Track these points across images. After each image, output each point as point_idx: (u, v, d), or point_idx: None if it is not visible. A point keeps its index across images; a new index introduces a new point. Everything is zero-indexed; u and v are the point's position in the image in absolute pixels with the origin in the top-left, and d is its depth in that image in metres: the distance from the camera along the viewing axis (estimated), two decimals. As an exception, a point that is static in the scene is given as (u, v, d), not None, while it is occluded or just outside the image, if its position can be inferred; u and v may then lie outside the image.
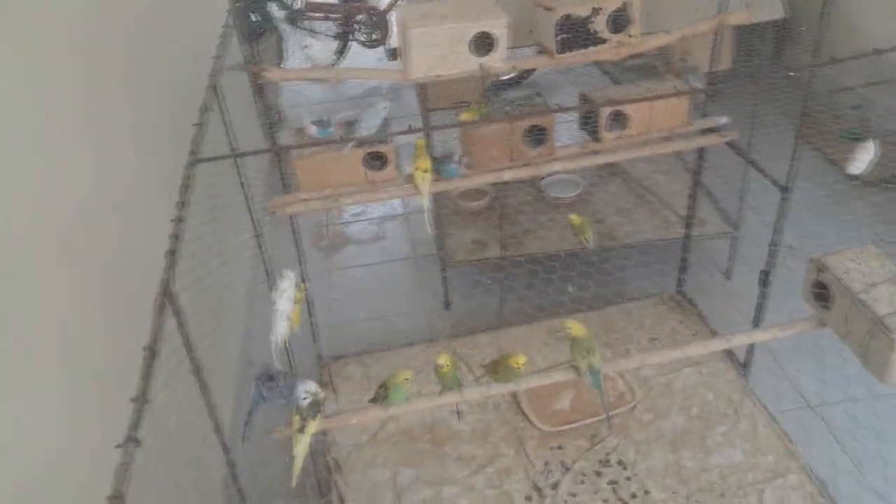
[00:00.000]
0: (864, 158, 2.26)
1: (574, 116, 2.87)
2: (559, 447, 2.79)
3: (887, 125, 3.83)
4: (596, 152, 2.65)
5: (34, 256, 1.46)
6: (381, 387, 2.03)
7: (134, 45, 2.32)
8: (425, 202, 2.52)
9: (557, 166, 2.57)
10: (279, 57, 5.15)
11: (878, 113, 4.00)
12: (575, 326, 2.00)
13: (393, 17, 5.51)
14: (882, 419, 2.92)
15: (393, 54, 5.53)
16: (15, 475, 1.31)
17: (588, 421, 2.84)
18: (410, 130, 2.02)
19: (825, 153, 4.40)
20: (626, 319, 3.36)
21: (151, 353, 1.02)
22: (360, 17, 5.42)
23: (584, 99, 2.65)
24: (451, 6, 2.30)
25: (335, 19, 5.44)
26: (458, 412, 2.88)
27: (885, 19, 3.61)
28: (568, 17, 2.36)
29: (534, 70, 5.35)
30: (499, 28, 2.27)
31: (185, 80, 2.58)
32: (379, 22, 5.48)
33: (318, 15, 5.41)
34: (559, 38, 2.37)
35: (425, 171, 2.45)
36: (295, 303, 2.28)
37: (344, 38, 5.49)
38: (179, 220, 1.26)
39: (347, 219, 4.60)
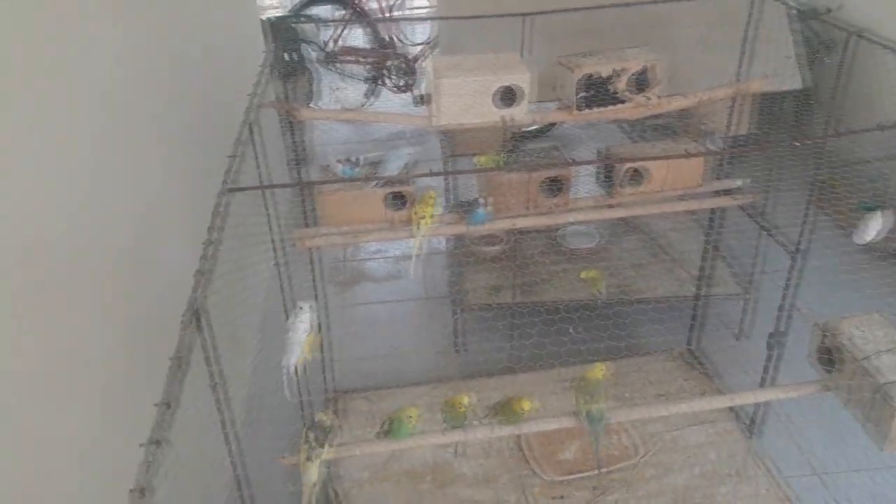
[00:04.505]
0: (871, 228, 2.31)
1: (592, 170, 2.95)
2: (561, 497, 2.79)
3: (901, 199, 3.86)
4: (610, 206, 2.71)
5: (77, 268, 1.55)
6: (385, 421, 2.07)
7: (176, 80, 2.45)
8: (416, 248, 2.56)
9: (572, 217, 2.64)
10: (310, 97, 5.33)
11: (892, 187, 4.04)
12: (598, 369, 2.02)
13: (422, 66, 5.70)
14: (888, 490, 2.89)
15: (419, 100, 5.69)
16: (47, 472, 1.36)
17: (592, 473, 2.85)
18: (432, 173, 2.10)
19: (840, 223, 4.43)
20: (637, 373, 3.38)
21: (178, 363, 1.08)
22: (390, 63, 5.61)
23: (602, 154, 2.73)
24: (481, 60, 2.41)
25: (367, 64, 5.63)
26: (455, 451, 2.89)
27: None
28: (589, 76, 2.46)
29: (555, 124, 5.48)
30: (522, 83, 2.37)
31: (221, 113, 2.71)
32: (408, 69, 5.67)
33: (351, 59, 5.61)
34: (580, 95, 2.47)
35: (422, 218, 2.52)
36: (309, 333, 2.34)
37: (374, 82, 5.67)
38: (210, 243, 1.34)
39: (365, 255, 4.68)
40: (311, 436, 1.87)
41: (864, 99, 4.07)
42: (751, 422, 3.01)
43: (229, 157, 1.64)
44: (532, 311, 3.59)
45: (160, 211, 2.19)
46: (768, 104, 4.43)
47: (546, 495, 2.80)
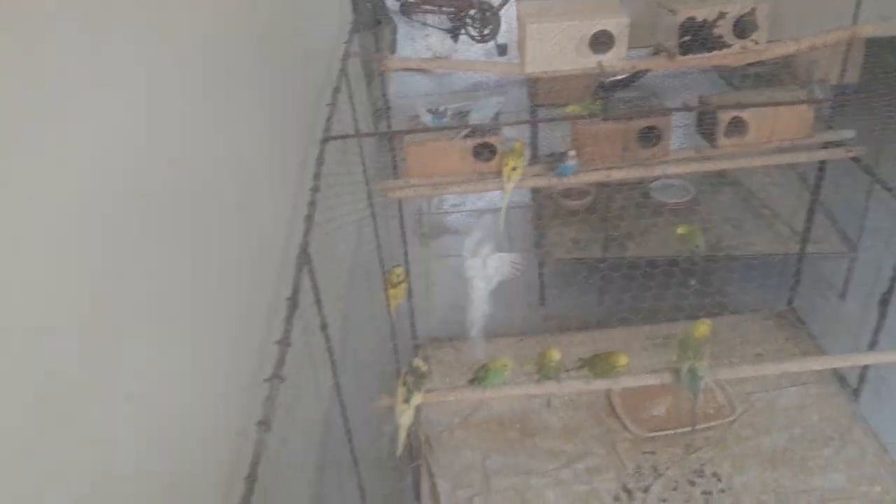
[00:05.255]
0: None
1: (689, 120, 2.83)
2: (652, 452, 2.76)
3: None
4: (711, 158, 2.60)
5: (198, 218, 1.61)
6: (480, 369, 2.09)
7: (267, 31, 2.48)
8: (505, 199, 2.54)
9: (670, 169, 2.55)
10: (391, 47, 5.31)
11: None
12: (700, 326, 1.97)
13: (504, 14, 5.57)
14: None
15: (502, 50, 5.58)
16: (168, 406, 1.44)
17: (684, 430, 2.80)
18: (525, 121, 2.06)
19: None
20: (731, 332, 3.28)
21: (293, 303, 1.12)
22: (472, 12, 5.50)
23: (703, 102, 2.60)
24: (572, 3, 2.33)
25: (448, 13, 5.55)
26: (548, 401, 2.90)
27: None
28: (692, 19, 2.34)
29: (645, 72, 5.27)
30: (619, 27, 2.28)
31: (302, 66, 2.72)
32: (491, 18, 5.55)
33: (431, 8, 5.54)
34: (681, 40, 2.35)
35: (513, 168, 2.49)
36: (397, 287, 2.38)
37: (455, 31, 5.59)
38: (316, 189, 1.37)
39: (447, 209, 4.69)
40: (410, 380, 1.91)
41: None
42: (856, 385, 2.87)
43: (328, 105, 1.65)
44: (620, 267, 3.52)
45: (254, 163, 2.24)
46: (878, 50, 4.13)
47: (636, 449, 2.77)
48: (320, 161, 1.50)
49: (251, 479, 0.91)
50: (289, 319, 1.12)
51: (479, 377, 2.07)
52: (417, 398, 1.91)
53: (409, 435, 1.99)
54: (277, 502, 1.33)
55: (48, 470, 1.07)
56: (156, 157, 1.50)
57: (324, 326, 1.36)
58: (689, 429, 2.77)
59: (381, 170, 2.90)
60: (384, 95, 2.62)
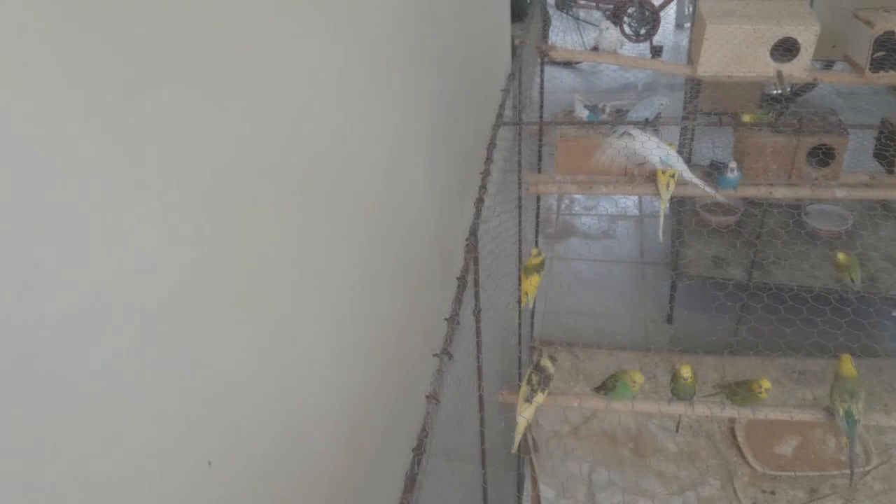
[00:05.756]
0: None
1: (864, 143, 2.59)
2: (772, 492, 2.58)
3: None
4: (887, 186, 2.36)
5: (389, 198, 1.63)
6: (609, 378, 2.00)
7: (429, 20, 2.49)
8: (663, 207, 2.42)
9: (839, 193, 2.33)
10: (543, 40, 5.24)
11: None
12: (847, 363, 1.81)
13: (664, 15, 5.36)
14: None
15: (657, 52, 5.37)
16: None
17: (811, 473, 2.59)
18: (689, 122, 1.94)
19: None
20: (876, 378, 3.01)
21: (463, 282, 1.11)
22: (631, 10, 5.33)
23: (889, 123, 2.37)
24: (760, 6, 2.17)
25: (605, 10, 5.40)
26: (677, 425, 2.77)
27: None
28: (891, 33, 2.12)
29: (814, 87, 4.92)
30: (807, 35, 2.11)
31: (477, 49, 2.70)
32: (650, 17, 5.35)
33: (589, 3, 5.41)
34: (874, 55, 2.15)
35: (672, 176, 2.36)
36: (532, 276, 2.32)
37: (611, 27, 5.44)
38: (487, 174, 1.34)
39: (577, 210, 4.58)
40: (535, 378, 1.86)
41: None
42: None
43: (503, 90, 1.62)
44: (762, 293, 3.30)
45: (406, 142, 2.26)
46: None
47: (755, 486, 2.60)
48: (492, 145, 1.48)
49: (418, 450, 0.90)
50: (458, 298, 1.11)
51: (607, 386, 1.98)
52: (540, 397, 1.85)
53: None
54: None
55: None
56: (317, 126, 1.53)
57: (477, 310, 1.34)
58: (816, 473, 2.57)
59: (512, 162, 2.85)
60: (541, 87, 2.56)
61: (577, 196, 4.63)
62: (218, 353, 1.20)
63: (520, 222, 2.21)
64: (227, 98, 1.19)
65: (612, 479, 2.65)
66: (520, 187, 2.19)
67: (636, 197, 4.54)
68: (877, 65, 2.19)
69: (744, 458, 2.69)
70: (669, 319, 3.56)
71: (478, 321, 1.33)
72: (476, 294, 1.32)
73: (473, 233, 1.21)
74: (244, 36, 1.23)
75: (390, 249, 2.05)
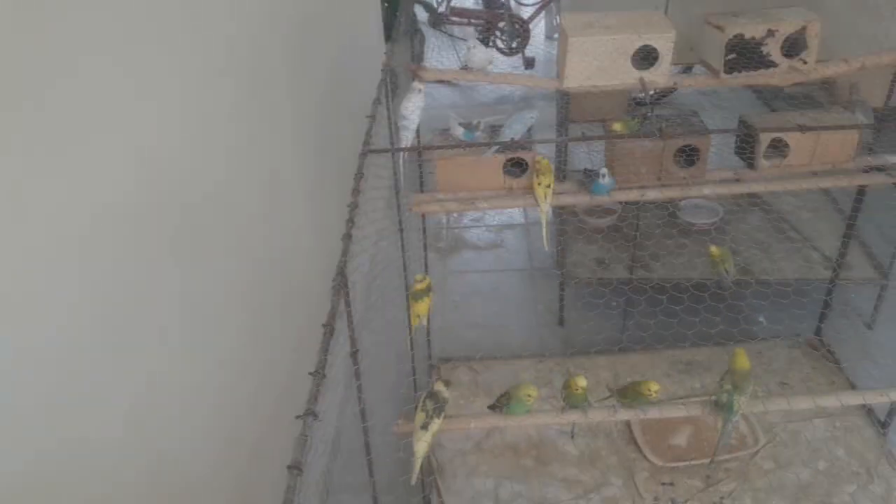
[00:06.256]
0: None
1: (726, 140, 2.73)
2: (671, 483, 2.65)
3: None
4: (749, 181, 2.50)
5: (215, 234, 1.53)
6: (503, 396, 1.99)
7: (300, 40, 2.40)
8: (544, 218, 2.47)
9: (707, 190, 2.45)
10: (419, 58, 5.24)
11: None
12: (740, 357, 1.87)
13: (533, 27, 5.50)
14: None
15: (529, 63, 5.50)
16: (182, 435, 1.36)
17: (704, 461, 2.69)
18: (562, 139, 1.97)
19: None
20: (756, 360, 3.16)
21: (329, 330, 1.03)
22: (501, 24, 5.43)
23: (745, 123, 2.51)
24: (619, 17, 2.24)
25: (477, 25, 5.48)
26: (571, 432, 2.80)
27: None
28: (740, 37, 2.25)
29: (673, 90, 5.18)
30: (664, 42, 2.19)
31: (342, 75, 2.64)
32: (520, 30, 5.47)
33: (461, 20, 5.47)
34: (727, 58, 2.26)
35: (548, 187, 2.41)
36: (421, 301, 2.28)
37: (483, 44, 5.52)
38: (354, 206, 1.28)
39: (466, 223, 4.60)
40: (429, 404, 1.81)
41: None
42: (884, 419, 2.76)
43: (368, 117, 1.57)
44: (645, 289, 3.42)
45: (282, 177, 2.16)
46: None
47: (655, 480, 2.67)
48: (359, 175, 1.42)
49: None
50: (324, 348, 1.03)
51: (500, 404, 1.97)
52: (436, 425, 1.81)
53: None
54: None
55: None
56: (181, 167, 1.43)
57: (354, 354, 1.27)
58: (709, 460, 2.67)
59: (406, 182, 2.82)
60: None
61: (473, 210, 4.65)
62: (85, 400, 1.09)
63: (402, 245, 2.16)
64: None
65: (517, 492, 2.64)
66: (399, 210, 2.15)
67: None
68: (730, 67, 2.31)
69: (642, 453, 2.76)
70: (561, 322, 3.62)
71: (355, 363, 1.27)
72: (351, 337, 1.25)
73: (341, 272, 1.14)
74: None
75: (272, 290, 1.95)
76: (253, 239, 1.79)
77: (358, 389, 1.33)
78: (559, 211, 3.83)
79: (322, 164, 2.27)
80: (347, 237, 1.22)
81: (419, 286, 2.10)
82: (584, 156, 3.96)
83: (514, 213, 4.61)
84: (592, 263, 3.59)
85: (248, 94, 1.84)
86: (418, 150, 2.11)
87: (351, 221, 1.25)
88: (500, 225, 4.54)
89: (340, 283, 1.12)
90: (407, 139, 1.96)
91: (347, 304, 1.18)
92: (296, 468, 0.85)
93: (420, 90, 1.95)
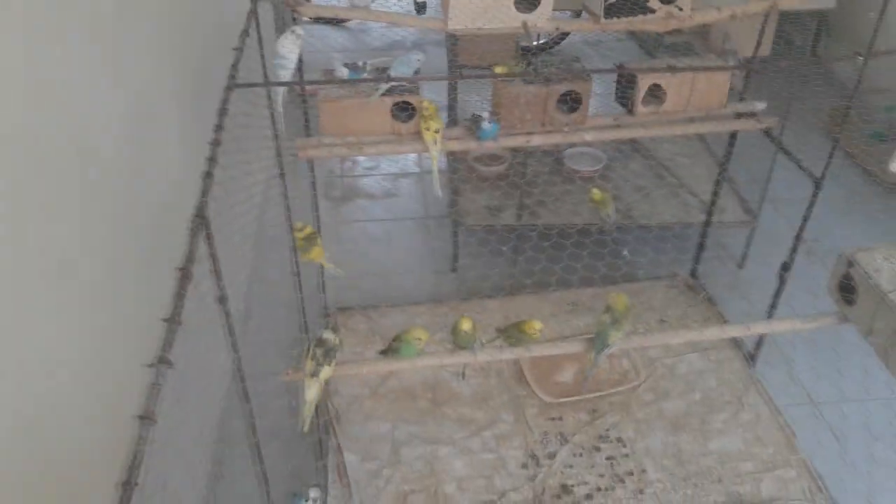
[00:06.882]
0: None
1: (608, 88, 2.80)
2: (559, 418, 2.78)
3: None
4: (628, 126, 2.59)
5: (68, 172, 1.42)
6: (394, 340, 2.01)
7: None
8: (435, 165, 2.47)
9: (589, 136, 2.51)
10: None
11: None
12: (619, 298, 1.95)
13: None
14: (883, 420, 2.92)
15: (420, 8, 5.41)
16: (40, 392, 1.28)
17: (590, 395, 2.84)
18: (444, 77, 1.95)
19: (849, 152, 4.35)
20: (637, 299, 3.33)
21: (185, 274, 0.98)
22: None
23: (622, 67, 2.57)
24: (501, -42, 2.22)
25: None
26: (462, 373, 2.87)
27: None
28: (618, -19, 2.29)
29: (565, 37, 5.26)
30: (546, -15, 2.20)
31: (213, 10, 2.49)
32: (409, -26, 5.35)
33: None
34: (607, 2, 2.30)
35: (436, 132, 2.40)
36: (312, 249, 2.25)
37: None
38: (216, 143, 1.21)
39: (360, 172, 4.54)
40: (319, 352, 1.80)
41: (887, 24, 3.88)
42: (752, 350, 2.99)
43: (235, 48, 1.48)
44: (532, 234, 3.51)
45: (150, 108, 2.03)
46: (787, 25, 4.28)
47: (543, 416, 2.79)
48: (223, 112, 1.34)
49: (129, 485, 0.78)
50: (179, 293, 0.97)
51: (392, 348, 1.98)
52: (326, 372, 1.80)
53: (317, 409, 1.89)
54: (170, 489, 1.21)
55: None
56: (27, 97, 1.30)
57: (222, 299, 1.22)
58: (596, 394, 2.82)
59: (291, 126, 2.73)
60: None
61: (359, 157, 4.58)
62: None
63: (285, 191, 2.10)
64: None
65: (413, 433, 2.69)
66: (278, 154, 2.07)
67: (416, 154, 4.59)
68: (610, 12, 2.35)
69: (531, 390, 2.87)
70: (455, 269, 3.67)
71: (225, 314, 1.22)
72: (217, 283, 1.20)
73: (200, 213, 1.09)
74: None
75: (139, 235, 1.84)
76: (114, 179, 1.67)
77: (230, 334, 1.29)
78: (451, 159, 3.86)
79: (200, 100, 2.14)
80: (208, 175, 1.16)
81: (300, 234, 2.06)
82: (478, 103, 3.98)
83: (409, 162, 4.58)
84: (483, 211, 3.64)
85: (111, 17, 1.68)
86: (294, 86, 2.03)
87: (213, 160, 1.19)
88: (395, 173, 4.51)
89: (198, 223, 1.06)
90: (284, 79, 1.89)
91: (211, 248, 1.13)
92: (147, 418, 0.82)
93: (299, 32, 1.87)
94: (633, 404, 2.84)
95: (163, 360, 0.88)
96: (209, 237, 1.12)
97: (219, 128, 1.28)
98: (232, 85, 1.41)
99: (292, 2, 1.99)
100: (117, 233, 1.70)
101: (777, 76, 3.16)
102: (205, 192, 1.13)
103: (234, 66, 1.45)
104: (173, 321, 0.94)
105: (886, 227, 3.87)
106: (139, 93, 1.87)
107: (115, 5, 1.68)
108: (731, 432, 2.72)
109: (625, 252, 3.24)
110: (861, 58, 2.05)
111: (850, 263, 1.96)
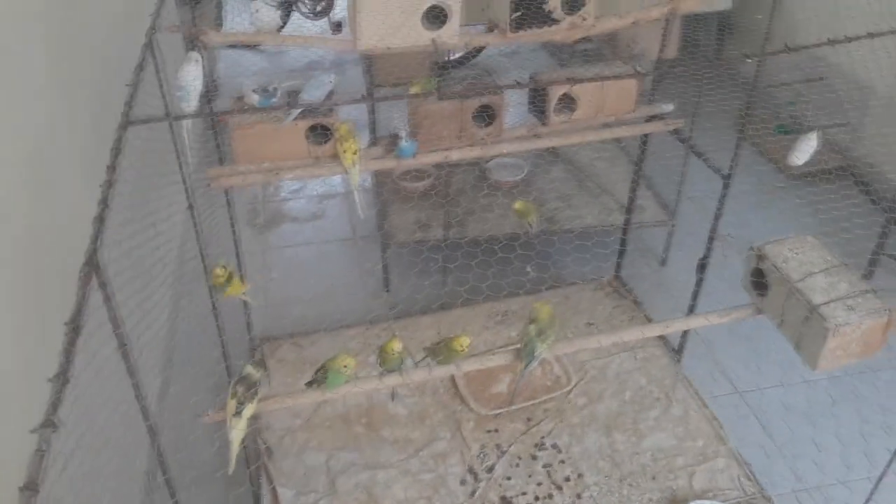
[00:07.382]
0: (806, 149, 2.31)
1: (523, 99, 2.84)
2: (496, 430, 2.78)
3: (819, 122, 3.96)
4: (543, 135, 2.63)
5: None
6: (319, 370, 1.96)
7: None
8: (355, 186, 2.45)
9: (506, 148, 2.54)
10: (217, 22, 4.93)
11: (811, 110, 4.14)
12: (543, 308, 1.95)
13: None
14: (807, 404, 3.04)
15: (337, 28, 5.36)
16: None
17: (525, 404, 2.85)
18: (357, 100, 1.94)
19: (758, 146, 4.54)
20: (565, 304, 3.38)
21: (74, 328, 0.92)
22: (303, -14, 5.23)
23: (533, 79, 2.61)
24: (405, -24, 2.22)
25: (276, -12, 5.24)
26: (392, 395, 2.83)
27: (829, 18, 3.72)
28: (523, -6, 2.32)
29: (481, 50, 5.31)
30: (454, 2, 2.21)
31: (118, 38, 2.41)
32: (323, -7, 5.31)
33: (258, -18, 5.20)
34: (513, 16, 2.33)
35: (354, 153, 2.38)
36: (232, 286, 2.18)
37: (287, 7, 5.29)
38: (109, 185, 1.16)
39: (285, 196, 4.47)
40: (240, 389, 1.74)
41: (788, 24, 4.09)
42: (678, 347, 3.07)
43: (128, 85, 1.42)
44: (461, 246, 3.52)
45: (50, 151, 1.94)
46: (692, 26, 4.44)
47: (480, 429, 2.79)
48: (116, 150, 1.28)
49: None
50: (68, 350, 0.91)
51: (317, 379, 1.93)
52: (250, 409, 1.74)
53: (245, 446, 1.82)
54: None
55: None
56: None
57: (122, 345, 1.16)
58: (531, 402, 2.83)
59: (209, 156, 2.65)
60: (211, 74, 2.38)
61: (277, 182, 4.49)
62: None
63: (195, 226, 2.03)
64: None
65: (349, 461, 2.64)
66: (186, 186, 2.01)
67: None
68: (517, 24, 2.38)
69: (467, 405, 2.86)
70: (387, 287, 3.64)
71: (126, 361, 1.17)
72: (116, 332, 1.14)
73: (91, 259, 1.03)
74: None
75: (38, 286, 1.74)
76: (11, 227, 1.58)
77: (135, 388, 1.23)
78: (377, 177, 3.83)
79: (103, 140, 2.06)
80: (99, 220, 1.10)
81: (221, 279, 2.00)
82: (398, 120, 3.97)
83: (335, 183, 4.53)
84: (412, 226, 3.63)
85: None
86: (198, 118, 1.97)
87: (104, 203, 1.13)
88: (321, 195, 4.45)
89: (88, 272, 1.01)
90: (188, 110, 1.83)
91: (108, 297, 1.07)
92: (29, 489, 0.75)
93: (197, 58, 1.82)
94: (567, 409, 2.87)
95: (48, 424, 0.82)
96: (103, 285, 1.06)
97: (111, 169, 1.22)
98: (125, 123, 1.35)
99: (195, 33, 1.94)
100: (14, 284, 1.60)
101: (683, 77, 3.27)
102: (94, 239, 1.07)
103: (128, 104, 1.39)
104: (61, 378, 0.88)
105: (797, 217, 4.04)
106: (35, 137, 1.78)
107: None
108: (662, 429, 2.77)
109: (528, 268, 3.29)
110: (749, 60, 2.13)
111: (761, 257, 2.03)
